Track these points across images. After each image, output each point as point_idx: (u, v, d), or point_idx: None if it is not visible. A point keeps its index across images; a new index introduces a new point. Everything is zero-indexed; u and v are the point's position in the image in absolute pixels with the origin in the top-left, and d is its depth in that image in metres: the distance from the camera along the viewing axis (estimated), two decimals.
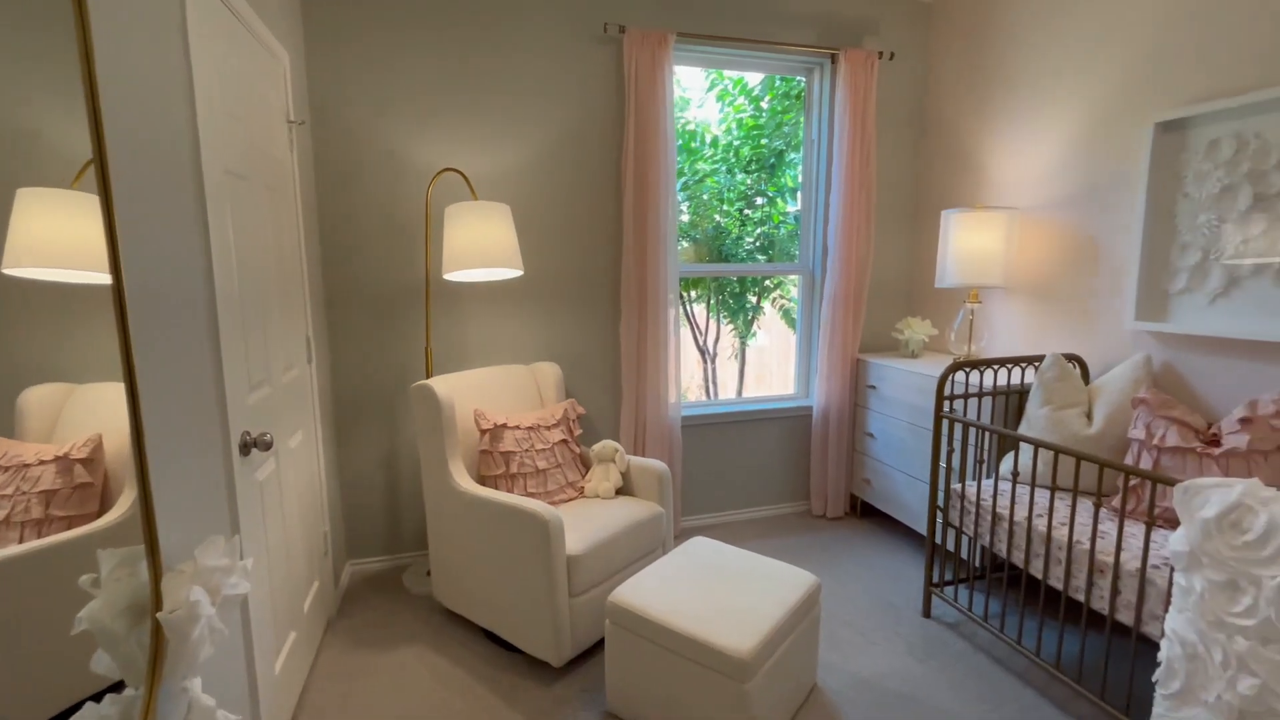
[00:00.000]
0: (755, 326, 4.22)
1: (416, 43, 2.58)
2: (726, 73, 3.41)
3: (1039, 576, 1.98)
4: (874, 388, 3.07)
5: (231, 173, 1.57)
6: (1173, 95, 2.17)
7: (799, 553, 2.94)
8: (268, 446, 1.56)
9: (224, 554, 1.04)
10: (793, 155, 3.46)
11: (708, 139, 3.68)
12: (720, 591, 1.84)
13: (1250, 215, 1.96)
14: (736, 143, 3.70)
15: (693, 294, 4.15)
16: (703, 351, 4.23)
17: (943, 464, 2.54)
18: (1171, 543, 1.43)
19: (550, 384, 2.69)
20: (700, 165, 3.72)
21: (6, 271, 0.75)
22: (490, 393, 2.52)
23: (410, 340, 2.75)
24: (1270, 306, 1.93)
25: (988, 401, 2.52)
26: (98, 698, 0.87)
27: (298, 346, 2.15)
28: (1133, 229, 2.30)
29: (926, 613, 2.41)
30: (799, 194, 3.34)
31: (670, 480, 2.44)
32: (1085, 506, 2.06)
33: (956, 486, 2.32)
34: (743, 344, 4.24)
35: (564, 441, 2.50)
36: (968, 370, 2.32)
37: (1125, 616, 1.71)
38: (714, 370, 4.27)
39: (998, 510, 2.14)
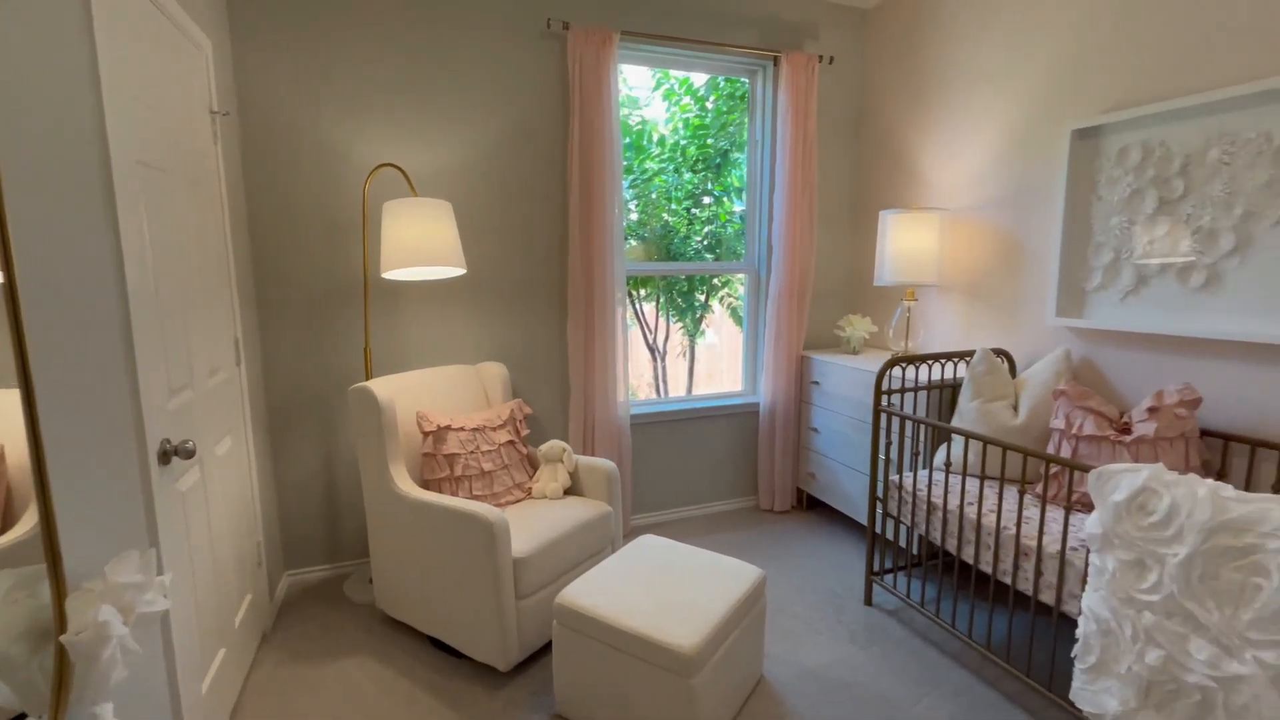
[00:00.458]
0: (704, 325, 4.26)
1: (351, 32, 2.49)
2: (672, 72, 3.43)
3: (970, 562, 2.07)
4: (818, 384, 3.15)
5: (145, 164, 1.48)
6: (1089, 103, 2.31)
7: (747, 547, 2.99)
8: (190, 454, 1.48)
9: (138, 569, 0.98)
10: (738, 155, 3.50)
11: (655, 138, 3.70)
12: (667, 588, 1.85)
13: (1156, 218, 2.10)
14: (683, 142, 3.72)
15: (642, 292, 4.16)
16: (652, 350, 4.24)
17: (881, 456, 2.63)
18: (1087, 525, 1.52)
19: (496, 384, 2.65)
20: (649, 164, 3.73)
21: None
22: (433, 394, 2.46)
23: (348, 341, 2.66)
24: (1173, 303, 2.08)
25: (924, 395, 2.62)
26: None
27: (225, 348, 2.05)
28: (1053, 230, 2.44)
29: (868, 601, 2.48)
30: (744, 193, 3.39)
31: (619, 479, 2.44)
32: (1012, 494, 2.17)
33: (895, 478, 2.41)
34: (692, 342, 4.28)
35: (511, 442, 2.47)
36: (904, 366, 2.41)
37: (1048, 597, 1.80)
38: (664, 368, 4.30)
39: (932, 500, 2.22)
